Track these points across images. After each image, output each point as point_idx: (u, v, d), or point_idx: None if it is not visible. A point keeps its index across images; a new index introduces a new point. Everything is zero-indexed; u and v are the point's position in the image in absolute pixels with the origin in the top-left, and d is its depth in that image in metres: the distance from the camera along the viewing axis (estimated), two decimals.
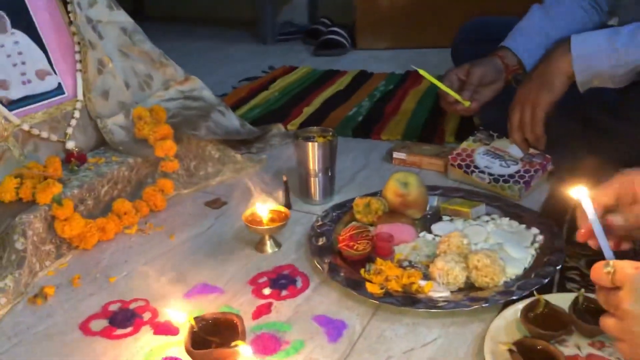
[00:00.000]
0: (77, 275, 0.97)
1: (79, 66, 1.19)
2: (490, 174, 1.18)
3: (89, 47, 1.19)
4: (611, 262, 0.62)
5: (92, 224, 1.03)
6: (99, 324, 0.86)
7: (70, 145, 1.13)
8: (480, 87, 1.15)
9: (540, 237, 0.98)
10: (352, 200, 1.09)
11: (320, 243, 1.01)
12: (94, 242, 1.03)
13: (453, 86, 1.14)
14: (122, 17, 1.30)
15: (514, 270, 0.90)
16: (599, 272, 0.63)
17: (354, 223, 1.05)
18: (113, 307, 0.89)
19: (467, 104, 1.12)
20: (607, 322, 0.62)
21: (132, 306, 0.89)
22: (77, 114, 1.16)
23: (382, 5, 2.42)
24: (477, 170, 1.20)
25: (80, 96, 1.18)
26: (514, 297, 0.83)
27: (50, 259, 0.99)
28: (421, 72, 1.15)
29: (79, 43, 1.18)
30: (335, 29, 2.49)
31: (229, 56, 2.46)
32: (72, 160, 1.10)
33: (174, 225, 1.13)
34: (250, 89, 1.97)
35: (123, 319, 0.86)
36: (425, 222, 1.07)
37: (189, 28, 2.97)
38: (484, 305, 0.83)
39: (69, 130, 1.15)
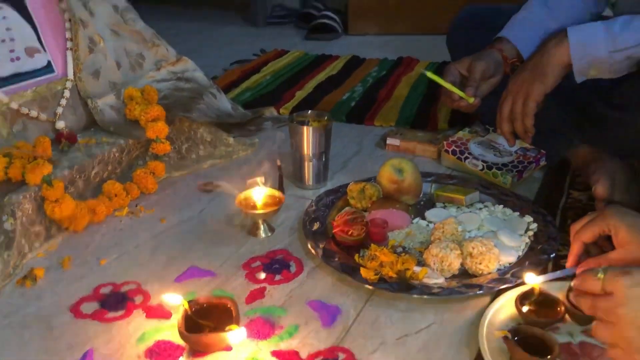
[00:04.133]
0: (68, 257, 0.96)
1: (69, 44, 1.16)
2: (483, 161, 1.18)
3: (80, 25, 1.16)
4: (601, 268, 0.63)
5: (82, 205, 1.01)
6: (90, 307, 0.85)
7: (60, 125, 1.11)
8: (481, 81, 1.14)
9: (534, 225, 0.98)
10: (346, 185, 1.09)
11: (314, 228, 1.00)
12: (84, 224, 1.02)
13: (456, 82, 1.13)
14: None
15: (508, 257, 0.90)
16: (589, 279, 0.63)
17: (348, 208, 1.04)
18: (104, 290, 0.88)
19: (471, 100, 1.11)
20: (599, 329, 0.63)
21: (123, 289, 0.88)
22: (67, 94, 1.14)
23: None
24: (470, 157, 1.20)
25: (70, 75, 1.16)
26: (509, 285, 0.84)
27: (40, 240, 0.98)
28: (430, 75, 1.13)
29: (69, 20, 1.16)
30: (328, 13, 2.47)
31: (220, 38, 2.44)
32: (62, 141, 1.08)
33: (165, 208, 1.12)
34: (241, 71, 1.95)
35: (115, 301, 0.85)
36: (419, 209, 1.07)
37: (181, 10, 2.93)
38: (478, 292, 0.83)
39: (59, 110, 1.12)
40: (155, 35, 1.35)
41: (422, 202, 1.09)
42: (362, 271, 0.87)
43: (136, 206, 1.11)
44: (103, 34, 1.22)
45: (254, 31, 2.54)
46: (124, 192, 1.09)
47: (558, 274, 0.81)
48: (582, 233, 0.80)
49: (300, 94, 1.73)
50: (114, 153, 1.13)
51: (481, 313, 0.79)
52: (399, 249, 0.95)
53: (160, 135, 1.17)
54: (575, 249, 0.81)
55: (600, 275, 0.62)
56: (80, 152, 1.08)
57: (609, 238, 0.76)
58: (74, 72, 1.16)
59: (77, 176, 1.05)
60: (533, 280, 0.79)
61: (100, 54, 1.20)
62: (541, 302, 0.79)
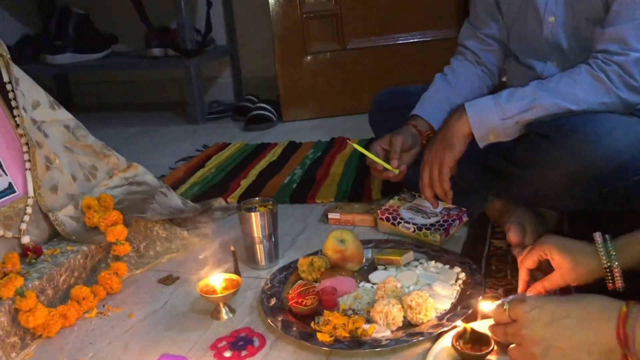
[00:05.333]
0: None
1: (28, 165, 1.26)
2: (414, 224, 1.33)
3: (36, 147, 1.27)
4: (506, 300, 0.77)
5: (54, 312, 1.09)
6: None
7: (26, 240, 1.19)
8: (401, 153, 1.29)
9: (462, 275, 1.13)
10: (296, 261, 1.21)
11: (271, 304, 1.11)
12: (56, 329, 1.09)
13: (379, 156, 1.28)
14: (64, 115, 1.39)
15: (443, 305, 1.03)
16: (498, 312, 0.78)
17: (300, 281, 1.15)
18: None
19: (396, 171, 1.26)
20: (512, 352, 0.76)
21: None
22: (29, 210, 1.23)
23: (302, 80, 2.62)
24: (402, 221, 1.35)
25: (30, 193, 1.25)
26: (445, 329, 0.96)
27: (16, 350, 1.04)
28: (355, 145, 1.30)
29: (26, 144, 1.26)
30: (262, 104, 2.65)
31: (161, 139, 2.55)
32: (29, 254, 1.16)
33: (131, 305, 1.20)
34: (187, 168, 2.07)
35: None
36: (363, 273, 1.19)
37: (119, 115, 3.05)
38: (420, 338, 0.95)
39: (23, 226, 1.21)
40: (105, 146, 1.46)
41: (365, 267, 1.22)
42: (319, 335, 0.98)
43: (104, 306, 1.19)
44: (57, 151, 1.32)
45: (194, 128, 2.69)
46: (91, 294, 1.17)
47: (509, 298, 0.87)
48: (525, 261, 0.96)
49: (245, 182, 1.86)
50: (79, 259, 1.21)
51: (425, 356, 0.91)
52: (349, 312, 1.06)
53: (119, 238, 1.26)
54: (522, 276, 0.98)
55: (506, 306, 0.76)
56: (47, 263, 1.17)
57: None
58: (34, 190, 1.26)
59: (47, 285, 1.13)
60: (487, 307, 0.89)
61: (56, 170, 1.30)
62: (474, 339, 0.91)
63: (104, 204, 1.32)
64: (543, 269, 0.96)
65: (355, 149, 1.32)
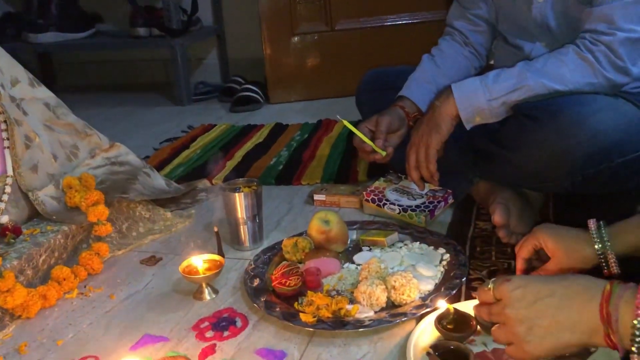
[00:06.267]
0: (24, 343, 1.00)
1: (6, 143, 1.23)
2: (399, 205, 1.32)
3: (15, 125, 1.24)
4: (491, 280, 0.77)
5: (33, 292, 1.07)
6: None
7: (4, 219, 1.17)
8: (388, 134, 1.29)
9: (446, 256, 1.12)
10: (281, 242, 1.20)
11: (255, 284, 1.10)
12: (36, 310, 1.07)
13: (366, 136, 1.27)
14: (45, 93, 1.36)
15: (426, 286, 1.03)
16: (482, 292, 0.77)
17: (284, 262, 1.15)
18: None
19: (383, 153, 1.25)
20: (497, 332, 0.76)
21: None
22: (8, 189, 1.20)
23: (289, 62, 2.59)
24: (388, 203, 1.34)
25: (10, 171, 1.22)
26: (428, 309, 0.96)
27: None
28: (345, 122, 1.28)
29: (5, 122, 1.23)
30: (249, 86, 2.62)
31: (146, 119, 2.53)
32: (8, 234, 1.14)
33: (113, 286, 1.18)
34: (171, 149, 2.05)
35: None
36: (348, 254, 1.19)
37: (103, 96, 3.01)
38: (403, 319, 0.95)
39: (2, 205, 1.19)
40: (86, 125, 1.44)
41: (349, 248, 1.21)
42: (302, 316, 0.97)
43: (85, 287, 1.17)
44: (37, 130, 1.30)
45: (180, 109, 2.66)
46: (72, 275, 1.15)
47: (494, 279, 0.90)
48: (520, 251, 0.96)
49: (230, 164, 1.84)
50: (59, 239, 1.19)
51: (408, 337, 0.91)
52: (333, 292, 1.06)
53: (101, 218, 1.24)
54: (519, 265, 0.97)
55: (490, 286, 0.76)
56: (26, 242, 1.15)
57: None
58: (13, 169, 1.23)
59: (26, 265, 1.11)
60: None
61: (36, 149, 1.28)
62: (457, 319, 0.91)
63: (85, 184, 1.30)
64: (542, 258, 0.96)
65: (343, 129, 1.31)
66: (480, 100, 1.14)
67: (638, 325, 0.61)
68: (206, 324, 1.03)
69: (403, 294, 0.98)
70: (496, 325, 0.76)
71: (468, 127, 1.18)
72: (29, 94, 1.32)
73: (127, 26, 2.81)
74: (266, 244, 1.28)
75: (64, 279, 1.14)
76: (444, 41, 1.42)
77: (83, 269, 1.19)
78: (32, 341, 1.01)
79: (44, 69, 3.22)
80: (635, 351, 0.62)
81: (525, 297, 0.71)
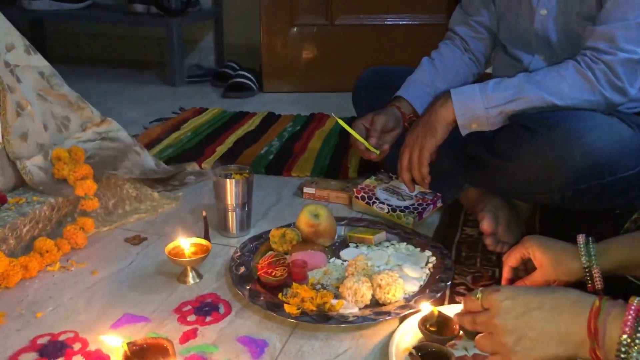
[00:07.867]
0: (2, 312, 0.99)
1: None
2: (389, 205, 1.33)
3: (8, 91, 1.22)
4: (478, 289, 0.77)
5: (15, 262, 1.05)
6: (29, 357, 0.89)
7: None
8: (383, 133, 1.29)
9: (433, 259, 1.13)
10: (268, 232, 1.19)
11: (240, 272, 1.09)
12: (16, 280, 1.06)
13: (362, 134, 1.27)
14: (40, 61, 1.34)
15: (411, 287, 1.04)
16: (469, 301, 0.78)
17: (270, 252, 1.14)
18: (42, 341, 0.92)
19: (377, 152, 1.25)
20: (481, 341, 0.76)
21: (61, 338, 0.93)
22: None
23: (286, 52, 2.58)
24: (377, 201, 1.34)
25: None
26: (413, 310, 0.96)
27: None
28: (339, 120, 1.28)
29: None
30: (243, 72, 2.60)
31: (136, 97, 2.50)
32: None
33: (96, 262, 1.17)
34: (162, 129, 2.03)
35: (53, 350, 0.90)
36: (335, 249, 1.19)
37: (94, 69, 2.97)
38: (387, 318, 0.95)
39: None
40: (80, 98, 1.42)
41: (337, 243, 1.21)
42: (286, 307, 0.97)
43: (67, 261, 1.16)
44: (30, 98, 1.28)
45: (172, 90, 2.63)
46: (55, 247, 1.14)
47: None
48: (508, 259, 0.97)
49: (221, 149, 1.83)
50: (44, 211, 1.18)
51: (391, 336, 0.91)
52: (318, 286, 1.06)
53: (88, 192, 1.23)
54: (505, 274, 0.98)
55: (478, 295, 0.76)
56: (11, 211, 1.13)
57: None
58: (2, 135, 1.21)
59: (9, 234, 1.09)
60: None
61: (27, 118, 1.25)
62: (440, 322, 0.91)
63: (74, 157, 1.28)
64: (529, 268, 0.97)
65: (335, 125, 1.31)
66: (478, 107, 1.15)
67: (624, 342, 0.62)
68: (189, 307, 1.02)
69: (388, 293, 0.99)
70: (480, 334, 0.77)
71: (464, 133, 1.19)
72: (24, 61, 1.29)
73: (125, 1, 2.77)
74: (253, 232, 1.28)
75: (47, 251, 1.12)
76: (444, 45, 1.43)
77: (67, 243, 1.18)
78: (11, 311, 1.00)
79: (35, 37, 3.16)
80: None
81: (515, 308, 0.72)
